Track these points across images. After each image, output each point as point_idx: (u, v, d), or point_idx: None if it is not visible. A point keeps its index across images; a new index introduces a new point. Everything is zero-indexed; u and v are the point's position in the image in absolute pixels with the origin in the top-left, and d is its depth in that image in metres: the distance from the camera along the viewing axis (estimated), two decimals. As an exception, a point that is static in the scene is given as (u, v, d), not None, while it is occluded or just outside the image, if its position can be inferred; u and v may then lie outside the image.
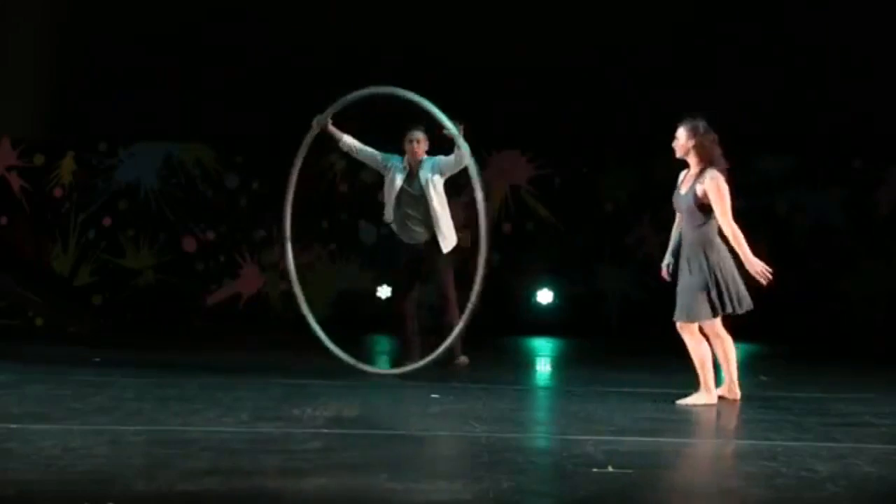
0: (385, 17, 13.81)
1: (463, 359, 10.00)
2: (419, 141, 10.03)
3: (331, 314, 13.40)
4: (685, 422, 8.07)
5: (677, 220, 8.94)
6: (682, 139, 8.90)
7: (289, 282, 9.93)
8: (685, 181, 8.88)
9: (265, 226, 13.62)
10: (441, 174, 10.07)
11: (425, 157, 10.13)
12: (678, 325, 8.73)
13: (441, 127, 9.61)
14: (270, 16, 14.05)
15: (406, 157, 10.07)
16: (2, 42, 14.47)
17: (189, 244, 13.82)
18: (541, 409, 8.51)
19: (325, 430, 7.41)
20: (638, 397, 9.06)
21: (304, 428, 7.49)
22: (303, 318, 9.82)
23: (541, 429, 7.76)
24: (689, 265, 8.68)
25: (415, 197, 10.05)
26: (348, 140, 10.08)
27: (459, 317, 9.94)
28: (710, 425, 7.99)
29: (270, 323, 13.41)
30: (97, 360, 10.61)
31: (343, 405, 8.36)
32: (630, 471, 6.40)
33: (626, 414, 8.27)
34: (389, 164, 10.09)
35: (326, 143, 10.03)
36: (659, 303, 13.60)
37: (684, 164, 8.85)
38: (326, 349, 9.80)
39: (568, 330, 13.40)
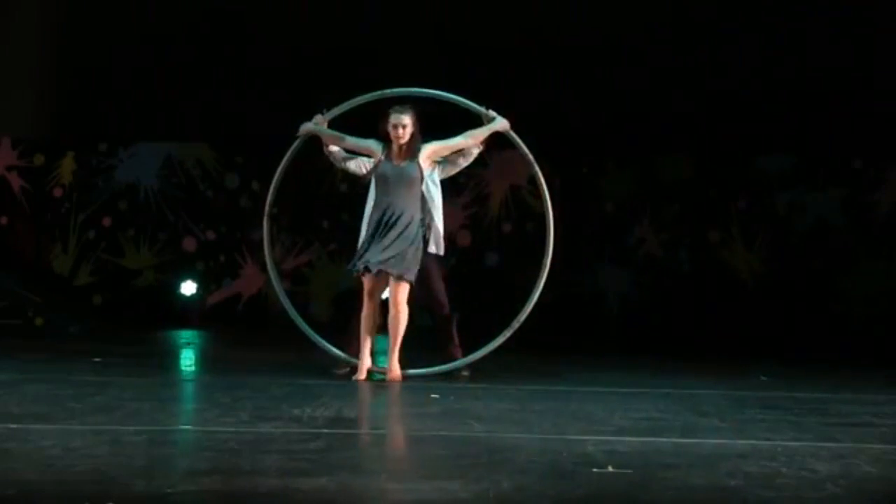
0: (383, 20, 13.82)
1: (465, 373, 9.97)
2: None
3: (331, 314, 13.43)
4: (685, 422, 8.07)
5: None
6: (411, 125, 9.57)
7: (290, 281, 9.96)
8: (397, 157, 9.59)
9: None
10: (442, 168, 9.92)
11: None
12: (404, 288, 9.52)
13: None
14: (271, 15, 14.06)
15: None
16: (2, 42, 14.49)
17: (189, 244, 13.83)
18: (541, 410, 8.51)
19: (326, 430, 7.42)
20: (638, 397, 9.06)
21: (304, 428, 7.49)
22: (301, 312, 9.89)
23: (541, 429, 7.76)
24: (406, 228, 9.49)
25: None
26: (335, 147, 9.93)
27: (451, 319, 9.96)
28: (710, 425, 8.00)
29: (270, 323, 13.41)
30: (97, 360, 10.62)
31: (343, 405, 8.37)
32: (630, 471, 6.41)
33: (626, 414, 8.28)
34: (376, 158, 9.81)
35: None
36: (658, 302, 13.75)
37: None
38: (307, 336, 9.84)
39: (568, 330, 13.42)
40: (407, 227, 9.47)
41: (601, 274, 13.82)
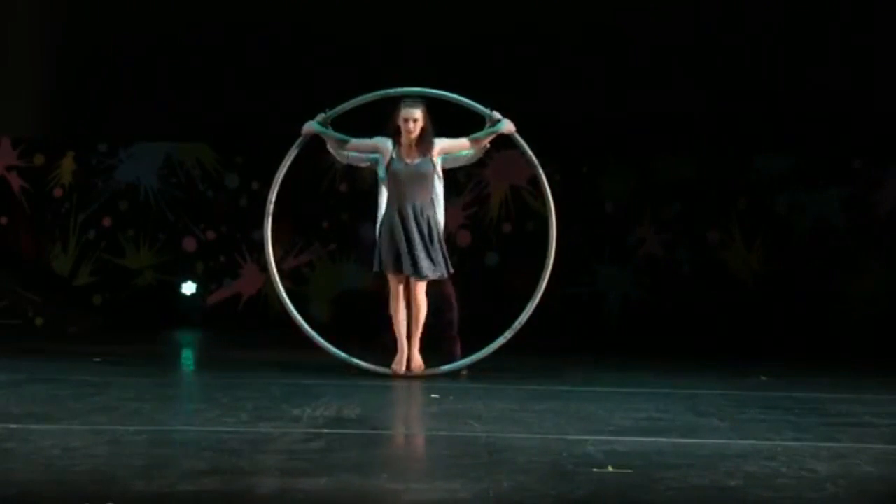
0: (382, 20, 13.82)
1: (464, 373, 9.99)
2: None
3: (331, 314, 13.42)
4: (685, 422, 8.08)
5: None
6: (422, 119, 9.56)
7: (290, 281, 9.96)
8: (408, 153, 9.55)
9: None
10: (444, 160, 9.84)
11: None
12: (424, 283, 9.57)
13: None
14: (271, 13, 14.06)
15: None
16: (2, 41, 14.49)
17: (189, 244, 13.83)
18: (541, 409, 8.51)
19: (326, 430, 7.43)
20: (638, 397, 9.07)
21: (304, 428, 7.50)
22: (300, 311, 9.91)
23: (541, 429, 7.77)
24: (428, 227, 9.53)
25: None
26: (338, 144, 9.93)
27: (455, 318, 9.98)
28: (710, 425, 8.01)
29: (271, 323, 13.41)
30: (97, 360, 10.63)
31: (343, 405, 8.38)
32: (630, 471, 6.42)
33: (626, 414, 8.29)
34: (386, 156, 9.66)
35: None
36: (659, 302, 13.74)
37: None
38: (309, 338, 9.88)
39: (568, 330, 13.42)
40: (428, 225, 9.51)
41: (601, 274, 13.81)
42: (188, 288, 13.78)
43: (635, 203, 13.84)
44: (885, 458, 6.94)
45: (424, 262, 9.47)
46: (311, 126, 9.92)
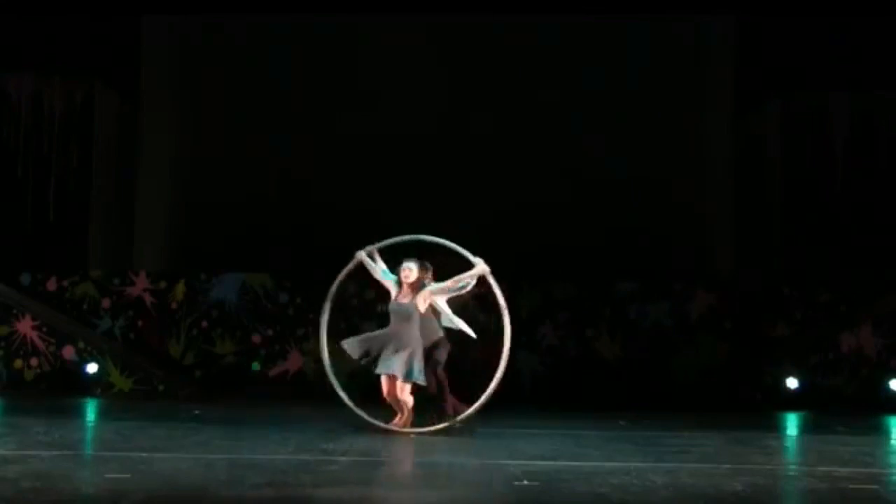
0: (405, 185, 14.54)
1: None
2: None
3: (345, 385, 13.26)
4: (573, 451, 8.06)
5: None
6: (416, 271, 8.89)
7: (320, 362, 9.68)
8: (401, 296, 8.91)
9: (304, 326, 13.62)
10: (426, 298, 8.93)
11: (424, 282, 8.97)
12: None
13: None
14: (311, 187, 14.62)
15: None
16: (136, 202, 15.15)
17: (256, 338, 13.78)
18: (482, 444, 8.49)
19: (342, 458, 7.42)
20: (544, 436, 9.05)
21: (328, 456, 7.50)
22: (328, 383, 9.47)
23: (482, 456, 7.76)
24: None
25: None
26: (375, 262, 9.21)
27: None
28: (588, 454, 7.98)
29: (307, 389, 13.32)
30: (197, 412, 10.57)
31: (353, 442, 8.36)
32: (538, 483, 6.44)
33: (536, 446, 8.29)
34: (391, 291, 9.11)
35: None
36: (557, 376, 13.61)
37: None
38: (345, 405, 9.37)
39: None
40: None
41: (519, 358, 13.67)
42: (91, 367, 13.43)
43: (541, 312, 13.78)
44: (697, 472, 7.00)
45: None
46: (361, 255, 9.14)
